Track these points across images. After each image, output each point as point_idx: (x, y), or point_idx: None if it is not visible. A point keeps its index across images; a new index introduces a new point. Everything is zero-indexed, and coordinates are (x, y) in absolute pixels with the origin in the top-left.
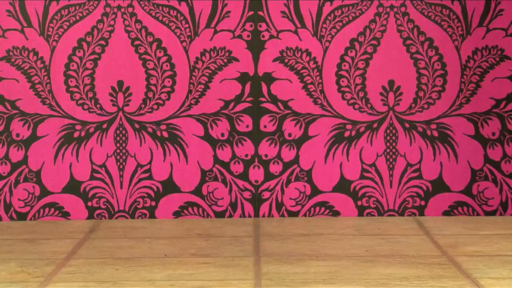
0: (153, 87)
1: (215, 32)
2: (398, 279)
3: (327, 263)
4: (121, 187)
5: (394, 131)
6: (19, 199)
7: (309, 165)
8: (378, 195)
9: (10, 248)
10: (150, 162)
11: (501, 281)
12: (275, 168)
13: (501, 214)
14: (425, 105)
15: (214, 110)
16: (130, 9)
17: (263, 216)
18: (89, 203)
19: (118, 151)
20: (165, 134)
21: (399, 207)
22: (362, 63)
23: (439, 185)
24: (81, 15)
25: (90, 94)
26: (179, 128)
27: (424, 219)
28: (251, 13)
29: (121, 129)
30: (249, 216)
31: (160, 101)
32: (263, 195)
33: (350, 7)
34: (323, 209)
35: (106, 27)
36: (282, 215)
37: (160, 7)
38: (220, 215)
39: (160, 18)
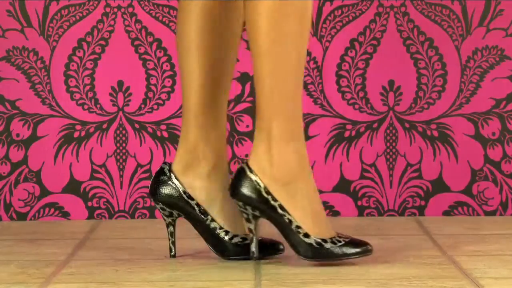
0: (153, 87)
1: None
2: (398, 279)
3: (327, 263)
4: (121, 187)
5: (394, 131)
6: (19, 199)
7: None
8: (378, 195)
9: (10, 249)
10: (150, 162)
11: (501, 281)
12: None
13: (501, 214)
14: (425, 105)
15: None
16: (130, 9)
17: None
18: (89, 203)
19: (118, 151)
20: (165, 134)
21: (399, 207)
22: (362, 63)
23: (439, 185)
24: (81, 15)
25: (90, 94)
26: (179, 128)
27: (424, 219)
28: None
29: (121, 129)
30: None
31: (160, 101)
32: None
33: (350, 7)
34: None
35: (106, 27)
36: None
37: (160, 7)
38: None
39: (160, 18)
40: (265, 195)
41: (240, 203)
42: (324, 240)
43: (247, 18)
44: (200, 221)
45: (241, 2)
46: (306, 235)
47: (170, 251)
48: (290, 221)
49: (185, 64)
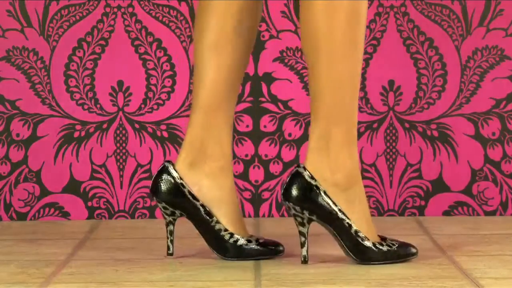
0: (153, 87)
1: None
2: (398, 279)
3: (327, 263)
4: (121, 187)
5: (394, 131)
6: (19, 199)
7: None
8: (378, 195)
9: (10, 249)
10: (150, 162)
11: (501, 281)
12: (275, 168)
13: (501, 214)
14: (425, 105)
15: None
16: (130, 9)
17: (263, 216)
18: (89, 203)
19: (118, 151)
20: (165, 134)
21: (399, 207)
22: (362, 63)
23: (439, 185)
24: (81, 15)
25: (90, 94)
26: (179, 128)
27: (424, 219)
28: None
29: (121, 129)
30: (249, 216)
31: (160, 101)
32: (263, 195)
33: None
34: None
35: (106, 27)
36: (282, 215)
37: (160, 7)
38: None
39: (160, 18)
40: (326, 199)
41: (297, 208)
42: (381, 244)
43: (302, 19)
44: (204, 222)
45: (260, 3)
46: (364, 239)
47: (168, 249)
48: (350, 225)
49: (201, 60)
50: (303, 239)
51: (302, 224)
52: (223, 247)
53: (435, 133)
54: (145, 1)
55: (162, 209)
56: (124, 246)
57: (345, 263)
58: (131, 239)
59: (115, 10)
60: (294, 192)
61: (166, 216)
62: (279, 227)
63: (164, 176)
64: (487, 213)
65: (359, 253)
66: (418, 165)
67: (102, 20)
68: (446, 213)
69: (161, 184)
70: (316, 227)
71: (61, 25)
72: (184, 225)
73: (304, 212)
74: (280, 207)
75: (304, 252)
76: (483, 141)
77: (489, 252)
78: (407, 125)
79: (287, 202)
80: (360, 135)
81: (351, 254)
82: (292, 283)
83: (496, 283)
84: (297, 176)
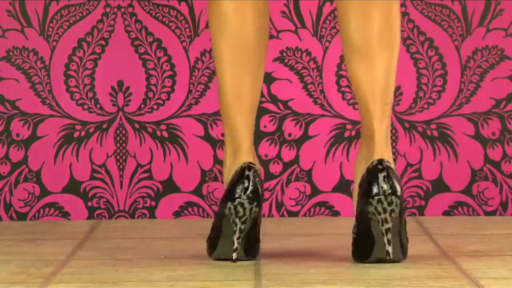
0: (153, 87)
1: None
2: (398, 279)
3: (327, 263)
4: (121, 187)
5: (394, 131)
6: (19, 199)
7: (309, 165)
8: None
9: (10, 249)
10: (150, 162)
11: (501, 281)
12: (275, 168)
13: (501, 214)
14: (425, 105)
15: (214, 110)
16: (130, 9)
17: (263, 216)
18: (89, 203)
19: (118, 151)
20: (165, 134)
21: None
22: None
23: (439, 185)
24: (81, 15)
25: (90, 94)
26: (179, 128)
27: (424, 219)
28: None
29: (121, 129)
30: None
31: (160, 101)
32: (263, 195)
33: None
34: (323, 209)
35: (106, 27)
36: (282, 215)
37: (160, 7)
38: None
39: (160, 18)
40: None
41: (398, 202)
42: None
43: (341, 19)
44: (256, 221)
45: (266, 3)
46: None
47: (237, 251)
48: (405, 221)
49: (238, 65)
50: (390, 235)
51: (387, 221)
52: (254, 246)
53: (435, 133)
54: (145, 1)
55: (253, 213)
56: (124, 246)
57: (345, 263)
58: (131, 239)
59: (115, 10)
60: (399, 186)
61: (248, 221)
62: (279, 227)
63: (258, 180)
64: (487, 213)
65: (406, 247)
66: (418, 165)
67: (102, 20)
68: (446, 213)
69: (258, 186)
70: (317, 227)
71: (61, 25)
72: (184, 225)
73: (398, 205)
74: (280, 207)
75: (390, 249)
76: (483, 141)
77: (489, 252)
78: (407, 125)
79: (393, 196)
80: (360, 135)
81: (401, 248)
82: (292, 283)
83: (496, 283)
84: (390, 171)
